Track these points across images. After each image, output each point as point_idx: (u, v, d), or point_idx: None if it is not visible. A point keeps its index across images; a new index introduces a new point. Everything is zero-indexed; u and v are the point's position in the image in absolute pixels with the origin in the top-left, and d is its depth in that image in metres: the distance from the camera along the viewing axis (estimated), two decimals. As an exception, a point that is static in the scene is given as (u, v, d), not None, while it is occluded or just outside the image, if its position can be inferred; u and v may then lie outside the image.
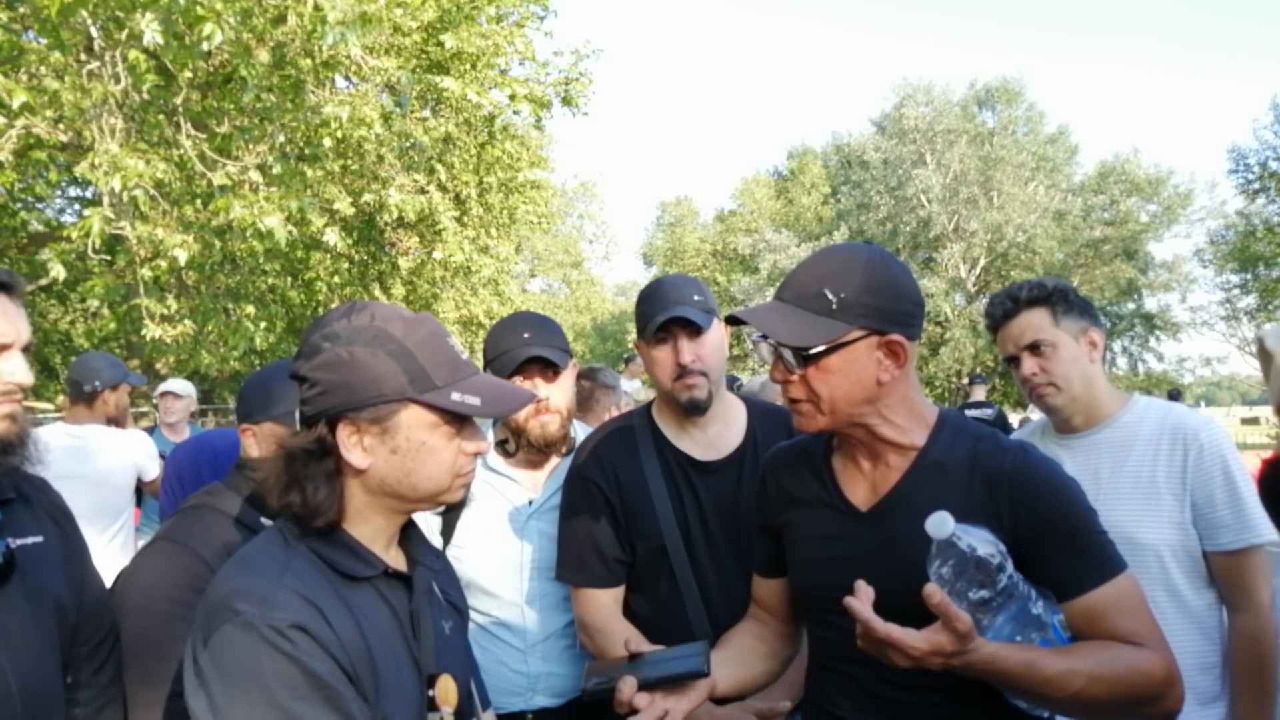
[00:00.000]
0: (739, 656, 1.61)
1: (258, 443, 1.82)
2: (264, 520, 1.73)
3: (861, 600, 1.26)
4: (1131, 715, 1.33)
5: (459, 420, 1.25)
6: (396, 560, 1.32)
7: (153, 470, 4.00)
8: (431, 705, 1.24)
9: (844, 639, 1.43)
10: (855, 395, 1.40)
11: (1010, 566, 1.28)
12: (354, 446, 1.21)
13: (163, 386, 5.71)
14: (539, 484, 2.21)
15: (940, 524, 1.24)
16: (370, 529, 1.27)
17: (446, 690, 1.26)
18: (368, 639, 1.18)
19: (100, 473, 3.78)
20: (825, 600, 1.49)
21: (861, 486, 1.49)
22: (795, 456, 1.62)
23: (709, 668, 1.40)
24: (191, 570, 1.61)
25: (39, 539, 1.48)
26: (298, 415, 1.25)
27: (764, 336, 1.42)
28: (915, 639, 1.21)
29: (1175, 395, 17.03)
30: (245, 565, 1.19)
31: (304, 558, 1.20)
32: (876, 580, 1.31)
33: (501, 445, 2.21)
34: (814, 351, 1.37)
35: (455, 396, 1.22)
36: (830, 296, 1.37)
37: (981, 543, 1.26)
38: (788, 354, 1.40)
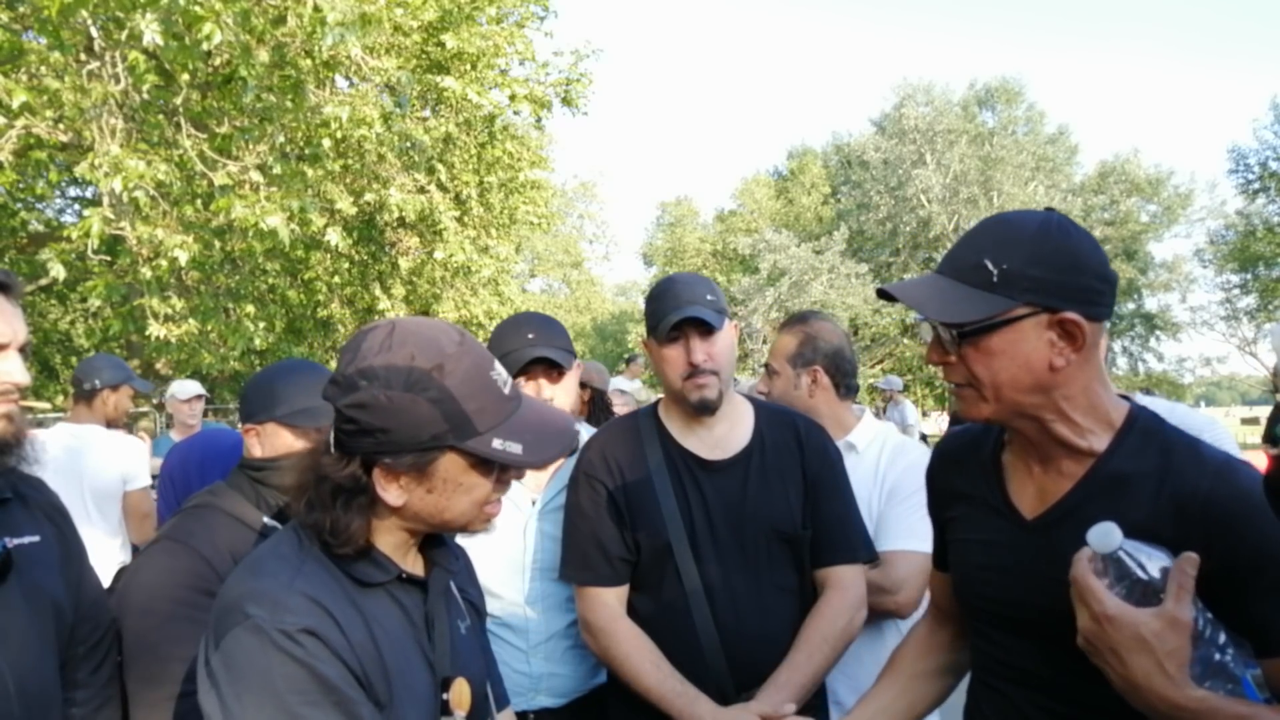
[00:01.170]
0: (906, 686, 1.54)
1: (261, 442, 1.82)
2: (266, 520, 1.73)
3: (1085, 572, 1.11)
4: None
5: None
6: (414, 565, 1.31)
7: (139, 479, 3.90)
8: (445, 709, 1.23)
9: (998, 654, 1.35)
10: (1022, 381, 1.22)
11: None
12: (390, 486, 1.19)
13: (189, 390, 5.55)
14: (542, 484, 2.20)
15: (1105, 535, 1.08)
16: (394, 540, 1.26)
17: (460, 694, 1.25)
18: (379, 644, 1.17)
19: (93, 473, 3.78)
20: (981, 610, 1.38)
21: (1030, 491, 1.33)
22: (965, 448, 1.47)
23: None
24: (194, 570, 1.60)
25: (36, 539, 1.47)
26: (332, 440, 1.22)
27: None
28: (1145, 613, 1.05)
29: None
30: (257, 567, 1.18)
31: (317, 561, 1.19)
32: (1037, 598, 1.19)
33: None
34: (970, 329, 1.22)
35: (497, 444, 1.18)
36: (991, 268, 1.21)
37: (1155, 564, 1.09)
38: (945, 333, 1.26)
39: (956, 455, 1.49)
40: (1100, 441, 1.26)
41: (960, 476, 1.46)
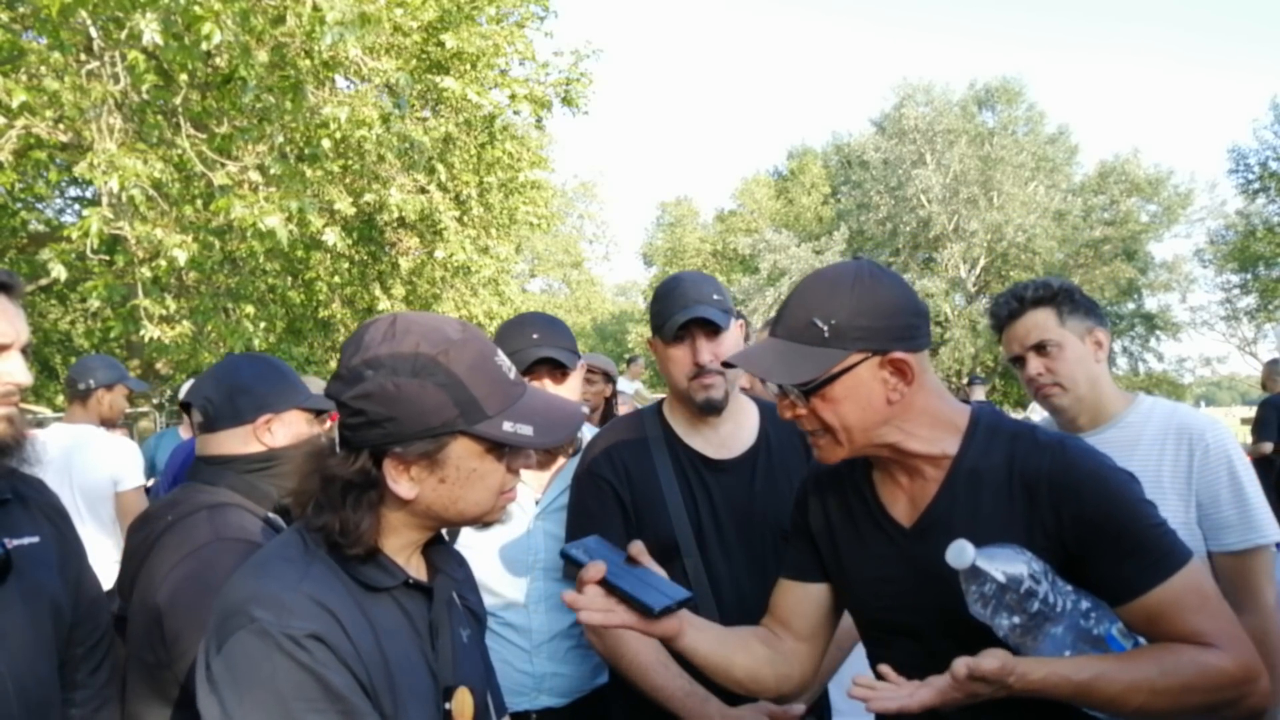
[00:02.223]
0: (733, 643, 1.50)
1: (275, 431, 1.86)
2: (269, 515, 1.74)
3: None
4: (1214, 718, 1.25)
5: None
6: (418, 570, 1.28)
7: (130, 479, 3.90)
8: (447, 719, 1.21)
9: (904, 660, 1.39)
10: (868, 419, 1.35)
11: (1044, 585, 1.22)
12: (401, 477, 1.16)
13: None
14: (544, 484, 2.20)
15: (959, 554, 1.20)
16: (400, 541, 1.23)
17: (463, 704, 1.23)
18: (385, 651, 1.15)
19: (81, 472, 3.79)
20: (880, 621, 1.44)
21: (902, 501, 1.43)
22: (834, 472, 1.56)
23: (658, 613, 1.29)
24: None
25: (35, 539, 1.47)
26: (337, 439, 1.20)
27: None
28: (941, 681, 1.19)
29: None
30: (262, 569, 1.15)
31: (323, 564, 1.16)
32: (926, 600, 1.25)
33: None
34: (813, 385, 1.33)
35: (507, 427, 1.17)
36: (820, 325, 1.33)
37: (1010, 565, 1.20)
38: (792, 390, 1.37)
39: (831, 479, 1.56)
40: (951, 445, 1.39)
41: (836, 499, 1.54)
